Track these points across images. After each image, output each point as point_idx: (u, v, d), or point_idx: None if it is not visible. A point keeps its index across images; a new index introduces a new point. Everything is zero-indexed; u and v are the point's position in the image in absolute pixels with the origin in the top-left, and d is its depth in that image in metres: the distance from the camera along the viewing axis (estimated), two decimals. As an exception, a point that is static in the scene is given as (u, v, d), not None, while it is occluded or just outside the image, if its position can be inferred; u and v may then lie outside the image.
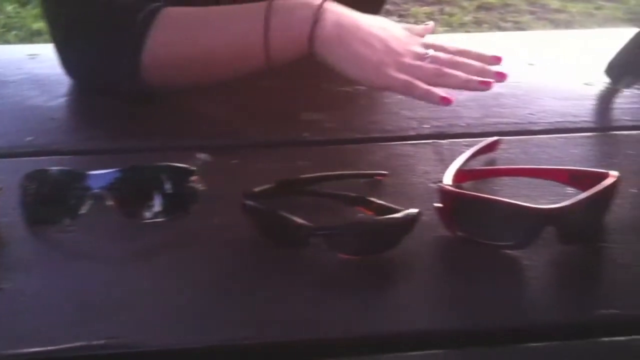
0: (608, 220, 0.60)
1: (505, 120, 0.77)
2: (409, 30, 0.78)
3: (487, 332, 0.51)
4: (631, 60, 0.80)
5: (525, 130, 0.75)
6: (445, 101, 0.70)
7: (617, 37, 0.83)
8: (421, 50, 0.73)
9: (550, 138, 0.73)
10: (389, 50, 0.71)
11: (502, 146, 0.71)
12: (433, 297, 0.54)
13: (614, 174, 0.59)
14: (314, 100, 0.75)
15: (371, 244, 0.55)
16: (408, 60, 0.71)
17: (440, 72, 0.71)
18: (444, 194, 0.57)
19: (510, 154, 0.71)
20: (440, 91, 0.70)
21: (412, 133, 0.74)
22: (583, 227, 0.57)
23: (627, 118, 0.78)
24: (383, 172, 0.65)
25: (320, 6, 0.71)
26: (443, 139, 0.73)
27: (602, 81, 0.83)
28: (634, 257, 0.57)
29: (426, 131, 0.74)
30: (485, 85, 0.71)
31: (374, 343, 0.50)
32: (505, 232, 0.56)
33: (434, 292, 0.55)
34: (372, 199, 0.60)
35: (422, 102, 0.79)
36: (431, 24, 0.80)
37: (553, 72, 0.87)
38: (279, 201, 0.60)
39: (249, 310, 0.52)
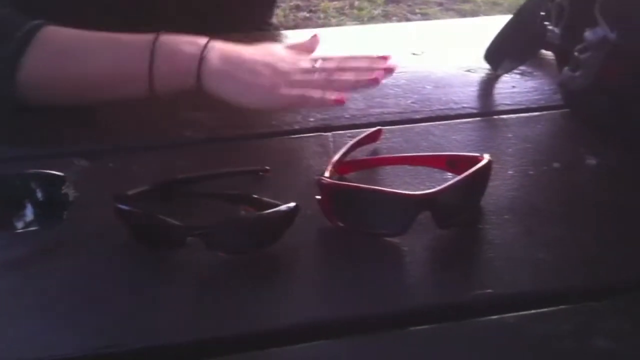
0: (485, 203, 0.62)
1: (388, 110, 0.78)
2: (296, 47, 0.79)
3: (370, 320, 0.52)
4: (507, 45, 0.83)
5: (408, 119, 0.76)
6: (339, 102, 0.71)
7: (501, 24, 0.86)
8: (309, 64, 0.74)
9: (431, 126, 0.75)
10: (278, 72, 0.72)
11: (384, 136, 0.72)
12: (317, 289, 0.54)
13: (486, 157, 0.61)
14: (194, 98, 0.74)
15: (250, 240, 0.55)
16: (298, 76, 0.73)
17: (329, 80, 0.72)
18: (321, 186, 0.58)
19: (393, 143, 0.72)
20: (333, 94, 0.71)
21: (296, 127, 0.74)
22: (458, 210, 0.58)
23: (506, 102, 0.80)
24: (265, 167, 0.65)
25: (206, 44, 0.71)
26: (328, 131, 0.74)
27: (483, 68, 0.86)
28: (509, 237, 0.59)
29: (311, 124, 0.75)
30: (375, 81, 0.72)
31: (259, 339, 0.50)
32: (382, 220, 0.57)
33: (318, 284, 0.55)
34: (254, 195, 0.60)
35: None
36: (317, 36, 0.81)
37: (436, 61, 0.89)
38: (156, 203, 0.59)
39: (126, 317, 0.51)
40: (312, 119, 0.75)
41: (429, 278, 0.56)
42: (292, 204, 0.56)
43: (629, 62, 0.66)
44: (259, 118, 0.75)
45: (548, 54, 0.87)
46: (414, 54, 0.91)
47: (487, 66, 0.86)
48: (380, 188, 0.57)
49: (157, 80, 0.70)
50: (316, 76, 0.73)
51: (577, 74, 0.69)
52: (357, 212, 0.57)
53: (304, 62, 0.75)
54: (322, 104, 0.72)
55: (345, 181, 0.64)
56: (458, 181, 0.57)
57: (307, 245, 0.58)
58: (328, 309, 0.53)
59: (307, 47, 0.80)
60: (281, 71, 0.72)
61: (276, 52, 0.76)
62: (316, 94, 0.71)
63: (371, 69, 0.74)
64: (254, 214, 0.56)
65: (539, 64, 0.88)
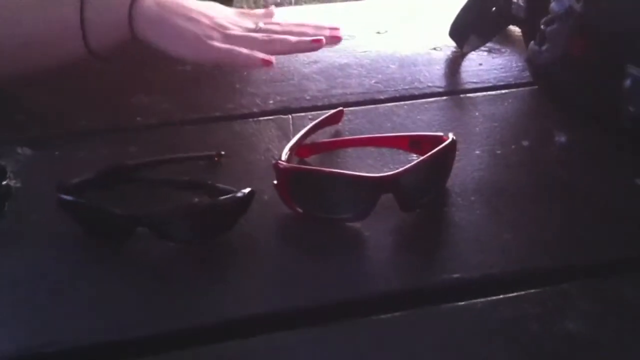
0: (451, 184, 0.60)
1: (351, 90, 0.76)
2: (246, 14, 0.76)
3: (331, 309, 0.50)
4: (472, 21, 0.81)
5: (371, 100, 0.74)
6: (267, 63, 0.68)
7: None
8: (251, 24, 0.71)
9: (396, 106, 0.73)
10: (215, 24, 0.69)
11: (347, 117, 0.70)
12: (275, 278, 0.52)
13: (450, 136, 0.59)
14: (148, 81, 0.71)
15: (203, 229, 0.52)
16: (236, 32, 0.70)
17: (269, 38, 0.70)
18: (278, 170, 0.56)
19: (356, 124, 0.70)
20: (261, 54, 0.68)
21: (255, 110, 0.72)
22: (421, 192, 0.56)
23: (473, 80, 0.79)
24: (220, 152, 0.63)
25: None
26: (288, 114, 0.71)
27: (449, 45, 0.84)
28: (476, 219, 0.57)
29: (270, 107, 0.72)
30: (317, 43, 0.70)
31: (215, 332, 0.48)
32: (342, 204, 0.55)
33: (276, 273, 0.53)
34: (207, 181, 0.58)
35: (267, 78, 0.78)
36: (272, 9, 0.78)
37: (401, 39, 0.87)
38: (103, 192, 0.57)
39: (73, 312, 0.48)
40: (271, 102, 0.73)
41: (393, 264, 0.54)
42: (247, 190, 0.54)
43: (595, 33, 0.64)
44: (214, 101, 0.72)
45: (516, 29, 0.86)
46: (377, 32, 0.89)
47: (452, 44, 0.84)
48: (338, 171, 0.55)
49: (91, 32, 0.67)
50: (255, 34, 0.70)
51: (544, 48, 0.68)
52: (315, 197, 0.55)
53: (247, 21, 0.72)
54: (249, 62, 0.69)
55: (305, 165, 0.62)
56: (420, 162, 0.55)
57: (264, 232, 0.56)
58: (287, 299, 0.51)
59: (259, 17, 0.77)
60: (219, 23, 0.69)
61: (220, 7, 0.73)
62: (244, 51, 0.68)
63: (316, 34, 0.72)
64: (206, 201, 0.54)
65: (507, 40, 0.86)
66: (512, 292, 0.51)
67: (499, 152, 0.66)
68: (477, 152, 0.66)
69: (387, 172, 0.56)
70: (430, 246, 0.55)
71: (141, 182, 0.58)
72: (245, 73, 0.77)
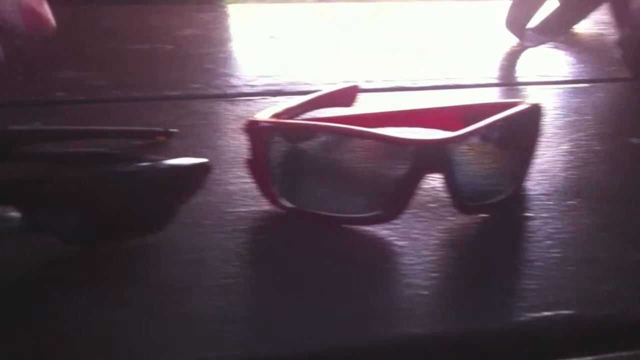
0: (532, 183, 0.40)
1: (372, 76, 0.56)
2: None
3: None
4: (527, 10, 0.62)
5: (398, 87, 0.54)
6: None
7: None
8: None
9: (439, 93, 0.53)
10: None
11: (364, 100, 0.50)
12: (239, 319, 0.31)
13: (532, 100, 0.39)
14: (89, 57, 0.52)
15: (105, 220, 0.31)
16: None
17: None
18: (253, 132, 0.35)
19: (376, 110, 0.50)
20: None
21: (229, 92, 0.52)
22: (490, 179, 0.35)
23: (541, 73, 0.59)
24: (170, 129, 0.43)
25: None
26: (276, 96, 0.52)
27: (507, 39, 0.65)
28: (584, 230, 0.36)
29: (253, 90, 0.52)
30: None
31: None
32: (359, 193, 0.34)
33: (242, 310, 0.31)
34: (135, 154, 0.37)
35: (252, 59, 0.59)
36: None
37: (446, 32, 0.68)
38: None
39: None
40: (255, 83, 0.53)
41: (447, 296, 0.33)
42: (199, 160, 0.33)
43: None
44: (172, 81, 0.53)
45: (586, 31, 0.68)
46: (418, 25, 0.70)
47: (510, 37, 0.65)
48: (356, 128, 0.34)
49: None
50: None
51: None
52: (317, 181, 0.34)
53: None
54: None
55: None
56: (490, 123, 0.34)
57: (224, 242, 0.35)
58: (266, 346, 0.29)
59: None
60: None
61: None
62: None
63: None
64: (120, 168, 0.32)
65: (577, 40, 0.68)
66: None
67: (598, 148, 0.46)
68: (565, 146, 0.45)
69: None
70: (514, 266, 0.34)
71: (25, 157, 0.37)
72: (221, 54, 0.58)
